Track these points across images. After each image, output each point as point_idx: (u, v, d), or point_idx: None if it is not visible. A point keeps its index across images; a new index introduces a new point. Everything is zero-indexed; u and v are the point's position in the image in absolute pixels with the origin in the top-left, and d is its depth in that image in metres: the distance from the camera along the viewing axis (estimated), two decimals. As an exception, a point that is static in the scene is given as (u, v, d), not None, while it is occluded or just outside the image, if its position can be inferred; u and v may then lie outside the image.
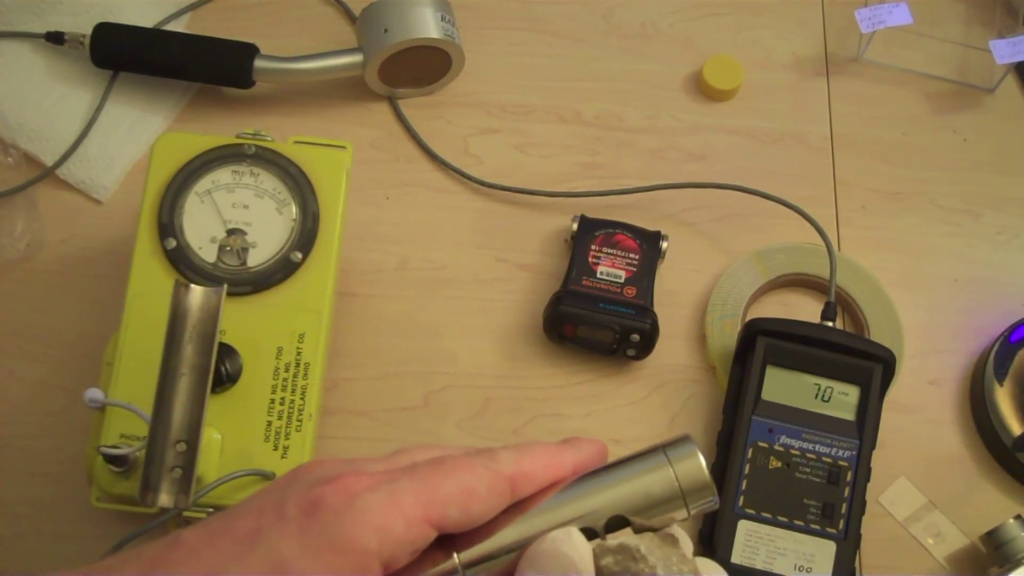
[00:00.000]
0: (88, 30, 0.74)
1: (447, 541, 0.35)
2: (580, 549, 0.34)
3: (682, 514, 0.37)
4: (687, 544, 0.36)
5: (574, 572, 0.34)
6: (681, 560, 0.35)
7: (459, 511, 0.34)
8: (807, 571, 0.61)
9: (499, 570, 0.35)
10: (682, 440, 0.37)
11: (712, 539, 0.62)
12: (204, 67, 0.74)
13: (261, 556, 0.32)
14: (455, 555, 0.35)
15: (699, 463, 0.37)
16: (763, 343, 0.65)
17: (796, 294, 0.73)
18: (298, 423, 0.59)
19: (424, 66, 0.76)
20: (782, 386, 0.64)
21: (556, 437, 0.70)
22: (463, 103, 0.78)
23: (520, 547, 0.35)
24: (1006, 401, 0.67)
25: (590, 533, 0.36)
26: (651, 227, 0.71)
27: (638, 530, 0.36)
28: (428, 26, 0.73)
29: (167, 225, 0.61)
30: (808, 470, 0.63)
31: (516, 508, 0.36)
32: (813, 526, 0.61)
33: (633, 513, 0.36)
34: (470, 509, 0.34)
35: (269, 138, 0.64)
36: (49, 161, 0.73)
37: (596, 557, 0.35)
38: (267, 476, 0.57)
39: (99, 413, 0.58)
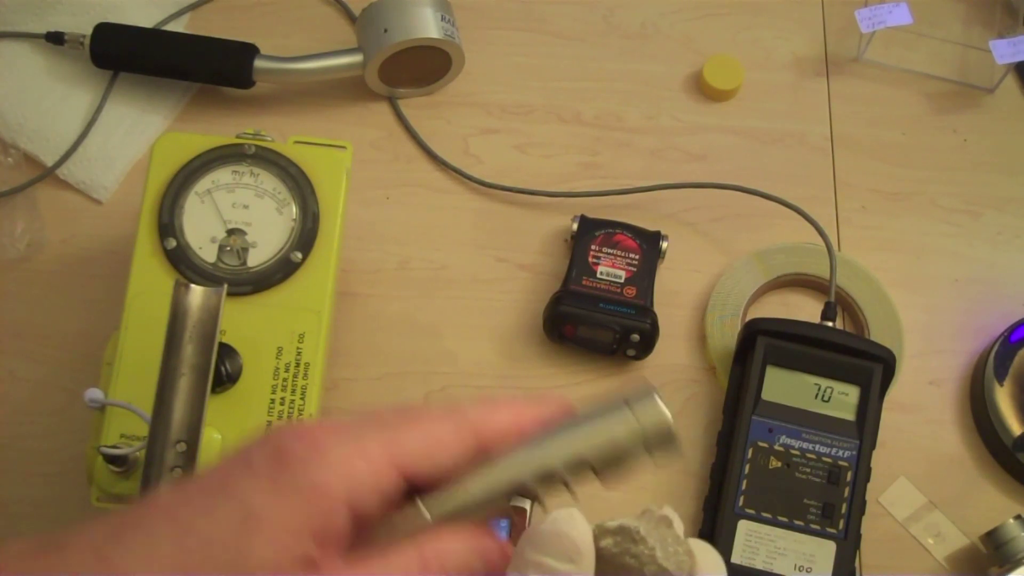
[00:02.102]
0: (88, 30, 0.74)
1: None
2: (581, 529, 0.34)
3: (645, 460, 0.37)
4: (680, 526, 0.36)
5: (575, 553, 0.34)
6: (676, 541, 0.35)
7: (424, 458, 0.35)
8: (807, 571, 0.61)
9: (473, 525, 0.36)
10: (643, 388, 0.38)
11: (712, 539, 0.62)
12: (204, 67, 0.74)
13: (231, 506, 0.33)
14: (419, 502, 0.36)
15: (660, 408, 0.37)
16: (763, 343, 0.65)
17: (796, 294, 0.73)
18: (298, 423, 0.59)
19: (424, 66, 0.76)
20: (782, 386, 0.64)
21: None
22: (463, 103, 0.78)
23: (490, 499, 0.36)
24: (1006, 401, 0.67)
25: (549, 480, 0.36)
26: (651, 227, 0.71)
27: (604, 479, 0.37)
28: (428, 26, 0.73)
29: (167, 225, 0.61)
30: (808, 470, 0.63)
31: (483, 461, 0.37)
32: (813, 526, 0.61)
33: (598, 460, 0.37)
34: (435, 456, 0.35)
35: (269, 138, 0.64)
36: (49, 161, 0.73)
37: (595, 538, 0.35)
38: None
39: (99, 413, 0.58)
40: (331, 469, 0.33)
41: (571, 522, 0.34)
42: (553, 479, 0.36)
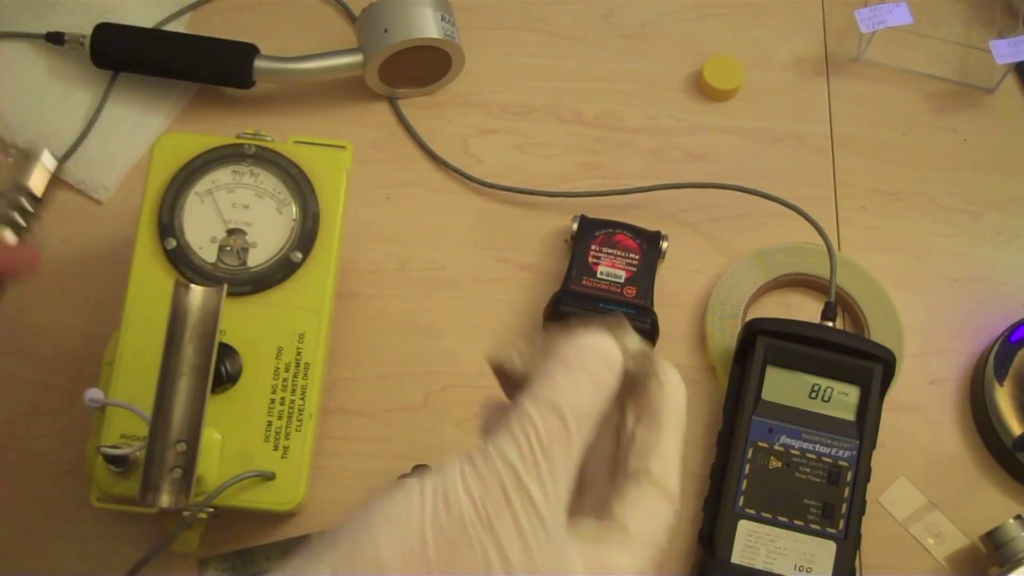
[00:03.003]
0: (88, 30, 0.74)
1: None
2: (618, 349, 0.37)
3: None
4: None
5: (614, 366, 0.37)
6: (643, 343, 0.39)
7: None
8: (807, 571, 0.61)
9: None
10: None
11: (712, 539, 0.62)
12: (204, 67, 0.74)
13: None
14: None
15: None
16: (763, 343, 0.65)
17: (796, 294, 0.73)
18: (298, 423, 0.59)
19: (424, 66, 0.76)
20: (782, 386, 0.64)
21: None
22: (463, 103, 0.78)
23: None
24: (1006, 401, 0.67)
25: None
26: (651, 227, 0.71)
27: None
28: (428, 26, 0.73)
29: (167, 225, 0.61)
30: (808, 470, 0.63)
31: None
32: (813, 526, 0.61)
33: None
34: None
35: (269, 138, 0.64)
36: (49, 161, 0.73)
37: None
38: (268, 476, 0.57)
39: (99, 413, 0.58)
40: None
41: (610, 341, 0.37)
42: None
